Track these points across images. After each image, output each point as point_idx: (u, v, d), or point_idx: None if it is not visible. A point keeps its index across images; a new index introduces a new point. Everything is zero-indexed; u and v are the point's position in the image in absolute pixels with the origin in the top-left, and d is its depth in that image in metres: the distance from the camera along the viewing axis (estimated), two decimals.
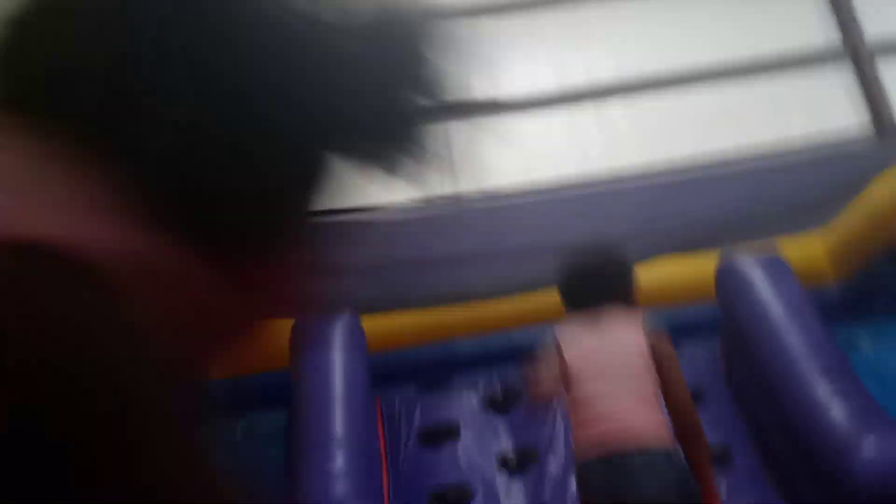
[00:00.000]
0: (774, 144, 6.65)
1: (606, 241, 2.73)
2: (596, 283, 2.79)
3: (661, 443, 2.28)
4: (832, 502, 4.08)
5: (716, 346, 5.94)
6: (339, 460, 4.55)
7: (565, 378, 2.66)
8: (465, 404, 5.70)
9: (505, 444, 5.38)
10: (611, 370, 2.56)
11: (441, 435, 5.48)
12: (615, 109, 9.36)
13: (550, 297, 6.86)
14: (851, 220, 6.60)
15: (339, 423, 4.77)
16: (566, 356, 2.68)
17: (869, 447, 4.07)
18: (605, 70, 9.55)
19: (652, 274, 6.92)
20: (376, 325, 6.59)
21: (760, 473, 5.02)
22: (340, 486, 4.37)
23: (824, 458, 4.15)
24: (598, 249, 2.84)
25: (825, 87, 9.47)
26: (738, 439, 5.18)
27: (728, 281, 5.54)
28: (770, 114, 9.15)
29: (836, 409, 4.48)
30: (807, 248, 6.88)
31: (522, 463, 5.21)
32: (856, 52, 9.53)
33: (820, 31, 9.67)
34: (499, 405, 5.65)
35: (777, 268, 5.48)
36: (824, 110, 9.29)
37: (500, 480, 5.17)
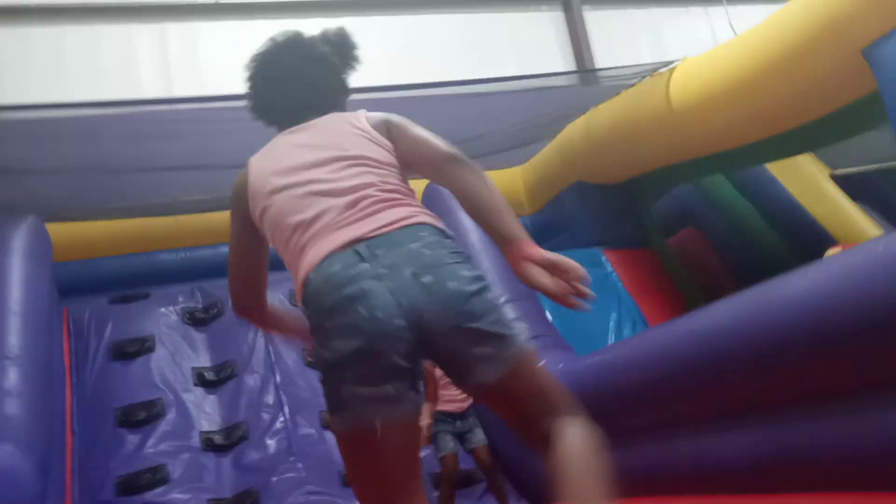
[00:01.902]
0: (489, 75, 6.94)
1: None
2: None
3: None
4: None
5: None
6: (12, 377, 4.14)
7: None
8: (162, 318, 5.43)
9: (202, 359, 5.23)
10: None
11: (134, 349, 5.19)
12: (341, 25, 9.27)
13: None
14: (546, 157, 7.16)
15: (13, 335, 4.32)
16: None
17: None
18: None
19: None
20: (67, 231, 6.08)
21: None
22: (11, 406, 3.98)
23: None
24: None
25: (539, 29, 10.17)
26: None
27: (432, 203, 5.75)
28: (487, 48, 9.65)
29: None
30: (508, 181, 7.39)
31: (220, 378, 5.10)
32: (568, 1, 10.29)
33: None
34: (198, 320, 5.47)
35: None
36: (537, 50, 9.99)
37: (196, 396, 5.04)
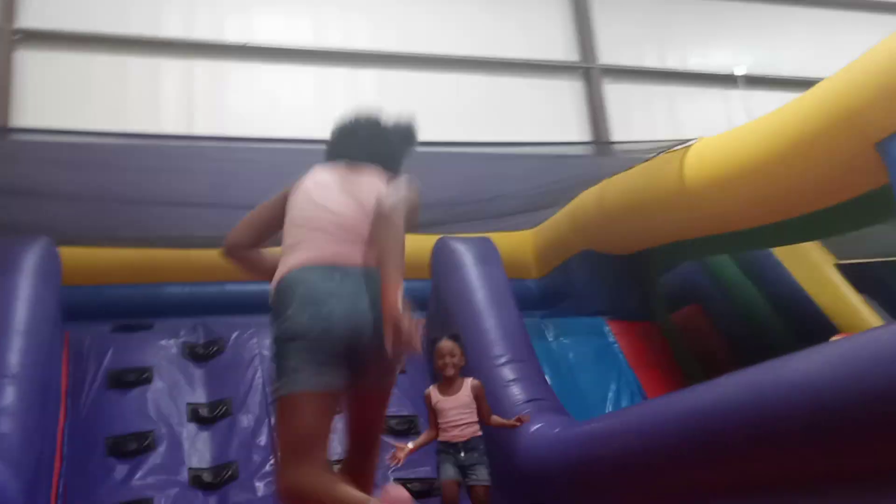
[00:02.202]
0: (506, 139, 7.05)
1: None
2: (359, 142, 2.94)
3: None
4: (506, 468, 4.45)
5: (423, 321, 6.19)
6: (9, 396, 4.14)
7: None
8: (162, 350, 5.42)
9: (199, 395, 5.21)
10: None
11: (131, 379, 5.18)
12: (367, 77, 9.50)
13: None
14: (556, 223, 7.23)
15: (14, 354, 4.33)
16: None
17: (534, 428, 4.49)
18: (360, 38, 9.66)
19: None
20: (77, 256, 6.11)
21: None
22: (5, 424, 3.97)
23: (500, 431, 4.51)
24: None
25: (558, 98, 10.37)
26: (426, 412, 5.43)
27: (441, 258, 5.81)
28: (507, 111, 9.83)
29: (515, 392, 4.89)
30: (517, 244, 7.45)
31: (214, 416, 5.08)
32: (588, 72, 10.49)
33: (562, 49, 10.60)
34: (198, 355, 5.46)
35: (487, 252, 5.83)
36: (555, 118, 10.16)
37: (188, 431, 5.00)
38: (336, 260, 2.58)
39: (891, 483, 2.36)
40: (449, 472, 4.27)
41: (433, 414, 4.42)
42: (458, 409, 4.36)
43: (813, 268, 6.77)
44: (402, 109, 9.07)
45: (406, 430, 5.25)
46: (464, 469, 4.26)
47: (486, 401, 4.45)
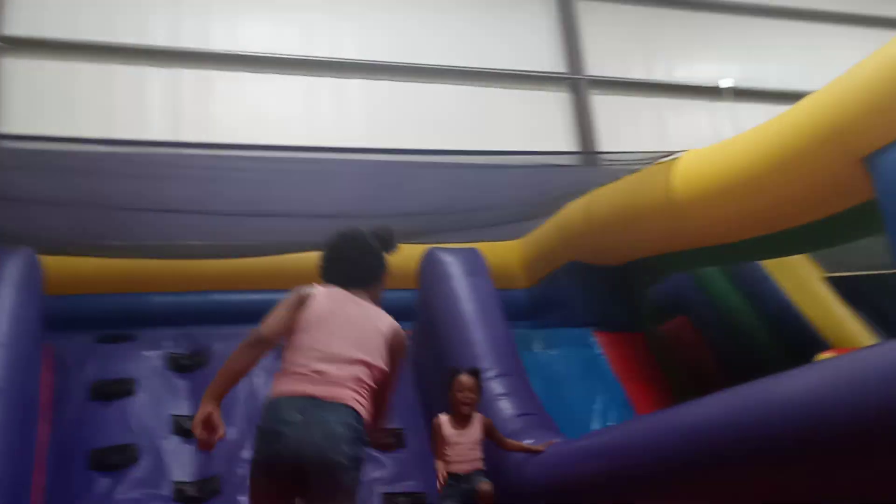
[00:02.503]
0: (493, 148, 7.05)
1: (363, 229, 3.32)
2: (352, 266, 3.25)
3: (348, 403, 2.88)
4: (495, 485, 4.41)
5: (410, 333, 6.16)
6: None
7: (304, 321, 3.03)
8: (145, 362, 5.36)
9: (182, 407, 5.14)
10: (355, 332, 3.05)
11: (114, 391, 5.11)
12: (354, 87, 9.47)
13: (257, 263, 6.80)
14: (544, 233, 7.22)
15: None
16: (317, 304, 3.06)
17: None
18: (348, 47, 9.63)
19: None
20: (60, 265, 6.03)
21: (428, 457, 5.25)
22: None
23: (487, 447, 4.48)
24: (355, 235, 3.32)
25: (546, 109, 10.37)
26: (412, 423, 5.40)
27: (429, 270, 5.78)
28: (494, 122, 9.83)
29: (504, 407, 4.87)
30: (505, 254, 7.44)
31: None
32: (576, 83, 10.51)
33: (550, 60, 10.63)
34: (183, 367, 5.40)
35: (474, 263, 5.81)
36: (542, 129, 10.17)
37: (172, 444, 4.93)
38: (312, 393, 2.85)
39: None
40: None
41: (442, 444, 4.39)
42: (469, 444, 4.37)
43: (802, 281, 6.79)
44: (388, 118, 9.03)
45: (392, 443, 5.20)
46: (466, 497, 4.24)
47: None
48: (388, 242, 3.29)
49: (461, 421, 4.42)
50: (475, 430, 4.41)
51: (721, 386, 3.29)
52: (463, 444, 4.35)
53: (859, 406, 2.31)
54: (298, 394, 2.85)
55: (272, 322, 2.99)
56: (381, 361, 3.00)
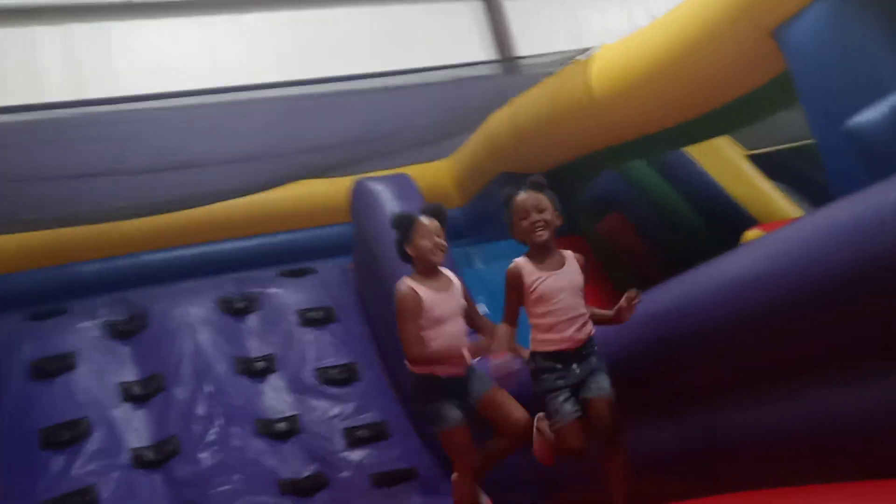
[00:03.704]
0: (409, 68, 6.89)
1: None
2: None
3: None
4: None
5: (351, 266, 6.11)
6: None
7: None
8: (82, 333, 5.22)
9: (129, 373, 5.05)
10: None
11: (54, 368, 4.99)
12: (254, 21, 9.10)
13: (182, 216, 6.58)
14: (471, 148, 7.14)
15: None
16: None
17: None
18: None
19: (290, 194, 6.94)
20: None
21: (385, 387, 5.30)
22: None
23: None
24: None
25: (458, 21, 10.16)
26: (365, 357, 5.40)
27: (360, 200, 5.68)
28: (407, 41, 9.59)
29: None
30: (435, 175, 7.36)
31: (148, 392, 4.94)
32: None
33: None
34: (123, 333, 5.27)
35: (405, 189, 5.73)
36: (457, 41, 9.97)
37: (123, 412, 4.86)
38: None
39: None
40: (566, 408, 2.86)
41: (524, 300, 2.99)
42: (570, 291, 2.95)
43: (726, 161, 6.88)
44: (295, 51, 8.70)
45: (346, 378, 5.21)
46: (577, 388, 2.88)
47: None
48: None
49: (545, 258, 2.99)
50: (573, 271, 2.99)
51: (659, 278, 3.34)
52: (564, 293, 2.93)
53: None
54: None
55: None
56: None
